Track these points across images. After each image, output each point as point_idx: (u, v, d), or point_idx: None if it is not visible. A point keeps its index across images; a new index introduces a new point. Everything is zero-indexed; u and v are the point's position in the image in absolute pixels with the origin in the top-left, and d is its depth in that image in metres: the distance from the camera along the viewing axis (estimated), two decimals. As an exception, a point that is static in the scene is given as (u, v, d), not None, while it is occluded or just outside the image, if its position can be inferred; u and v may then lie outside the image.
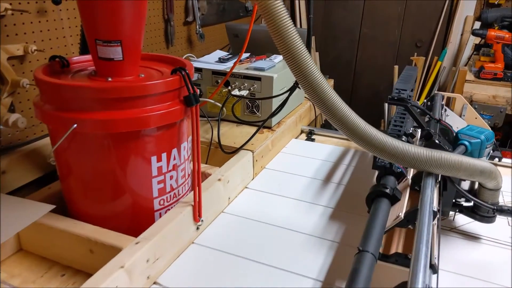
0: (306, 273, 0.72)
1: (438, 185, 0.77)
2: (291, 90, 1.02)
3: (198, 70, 1.22)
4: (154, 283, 0.68)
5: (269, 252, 0.77)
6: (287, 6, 2.81)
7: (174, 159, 0.75)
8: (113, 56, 0.70)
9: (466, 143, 0.78)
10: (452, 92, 2.13)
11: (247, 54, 1.36)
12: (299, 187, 1.02)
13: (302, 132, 1.43)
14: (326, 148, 1.28)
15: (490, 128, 1.18)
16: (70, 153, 0.72)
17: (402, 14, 2.59)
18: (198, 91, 0.74)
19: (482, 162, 0.72)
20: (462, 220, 0.88)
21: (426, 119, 0.94)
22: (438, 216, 0.65)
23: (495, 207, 0.72)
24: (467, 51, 2.36)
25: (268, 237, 0.82)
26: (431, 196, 0.63)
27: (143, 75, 0.74)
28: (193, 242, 0.79)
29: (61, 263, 0.75)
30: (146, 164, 0.71)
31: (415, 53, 2.52)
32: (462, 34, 2.45)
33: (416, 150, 0.67)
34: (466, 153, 0.77)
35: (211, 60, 1.31)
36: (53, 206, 0.75)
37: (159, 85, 0.67)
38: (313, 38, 2.86)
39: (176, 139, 0.75)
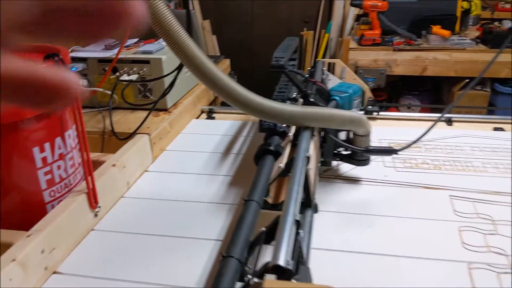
0: (208, 236, 0.76)
1: (319, 139, 0.86)
2: (179, 68, 1.04)
3: (83, 59, 1.18)
4: (54, 272, 0.67)
5: (171, 224, 0.80)
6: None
7: (59, 148, 0.73)
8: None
9: (337, 98, 0.86)
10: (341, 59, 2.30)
11: (135, 40, 1.35)
12: (200, 163, 1.06)
13: (202, 112, 1.46)
14: (226, 123, 1.32)
15: (368, 86, 1.31)
16: None
17: (289, -8, 2.71)
18: (78, 67, 0.73)
19: (351, 112, 0.81)
20: (345, 168, 0.98)
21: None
22: (318, 164, 0.73)
23: (363, 149, 0.82)
24: (350, 21, 2.55)
25: (170, 212, 0.85)
26: (306, 145, 0.69)
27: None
28: (92, 229, 0.79)
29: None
30: (28, 156, 0.69)
31: (305, 28, 2.66)
32: (344, 7, 2.63)
33: (292, 108, 0.73)
34: (338, 106, 0.86)
35: (96, 49, 1.27)
36: None
37: (29, 72, 0.65)
38: (208, 21, 2.88)
39: (59, 128, 0.73)
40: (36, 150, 0.69)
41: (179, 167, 1.03)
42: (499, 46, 2.19)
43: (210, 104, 1.56)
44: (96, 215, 0.79)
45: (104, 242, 0.75)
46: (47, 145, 0.71)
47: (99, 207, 0.79)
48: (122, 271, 0.68)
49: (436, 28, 2.20)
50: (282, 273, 0.42)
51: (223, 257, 0.49)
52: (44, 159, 0.71)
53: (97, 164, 0.89)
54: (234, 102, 0.69)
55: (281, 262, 0.43)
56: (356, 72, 2.15)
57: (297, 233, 0.50)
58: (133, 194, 0.91)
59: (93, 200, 0.77)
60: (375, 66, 2.15)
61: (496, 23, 2.51)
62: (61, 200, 0.75)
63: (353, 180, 0.94)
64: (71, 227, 0.72)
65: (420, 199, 0.89)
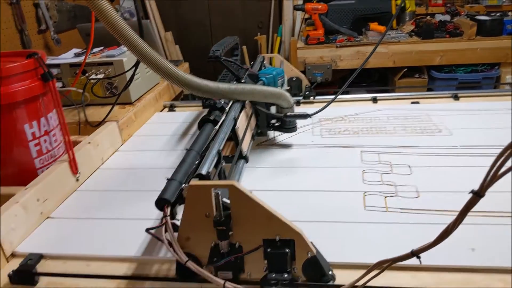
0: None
1: (251, 111, 1.09)
2: (136, 65, 1.26)
3: (56, 66, 1.38)
4: (48, 217, 0.88)
5: (139, 184, 1.01)
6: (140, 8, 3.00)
7: (44, 126, 0.94)
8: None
9: (263, 78, 1.10)
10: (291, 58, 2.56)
11: (101, 48, 1.55)
12: (162, 143, 1.27)
13: (165, 107, 1.67)
14: (185, 114, 1.54)
15: (305, 76, 1.55)
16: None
17: (242, 2, 2.97)
18: (53, 73, 0.94)
19: (272, 88, 1.04)
20: (280, 138, 1.21)
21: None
22: (252, 131, 0.95)
23: (283, 115, 1.05)
24: (298, 24, 2.81)
25: (137, 176, 1.06)
26: (234, 112, 0.92)
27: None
28: (75, 190, 0.99)
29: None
30: (21, 130, 0.89)
31: (258, 33, 2.91)
32: (293, 12, 2.90)
33: (223, 85, 0.96)
34: (265, 84, 1.09)
35: (68, 57, 1.48)
36: None
37: (18, 66, 0.86)
38: (170, 33, 3.10)
39: (42, 110, 0.94)
40: (26, 126, 0.90)
41: (145, 146, 1.24)
42: (429, 37, 2.49)
43: (172, 100, 1.78)
44: (77, 180, 1.00)
45: (86, 198, 0.96)
46: (34, 123, 0.91)
47: (79, 173, 0.99)
48: (101, 213, 0.89)
49: (373, 25, 2.48)
50: (202, 178, 0.64)
51: (168, 180, 0.70)
52: (33, 134, 0.91)
53: (75, 143, 1.09)
54: (176, 83, 0.91)
55: (203, 171, 0.65)
56: (304, 68, 2.40)
57: (219, 160, 0.72)
58: (107, 166, 1.12)
59: (73, 167, 0.97)
60: (321, 62, 2.41)
61: (428, 17, 2.82)
62: (49, 167, 0.96)
63: (286, 146, 1.18)
64: (58, 185, 0.92)
65: (337, 155, 1.12)
